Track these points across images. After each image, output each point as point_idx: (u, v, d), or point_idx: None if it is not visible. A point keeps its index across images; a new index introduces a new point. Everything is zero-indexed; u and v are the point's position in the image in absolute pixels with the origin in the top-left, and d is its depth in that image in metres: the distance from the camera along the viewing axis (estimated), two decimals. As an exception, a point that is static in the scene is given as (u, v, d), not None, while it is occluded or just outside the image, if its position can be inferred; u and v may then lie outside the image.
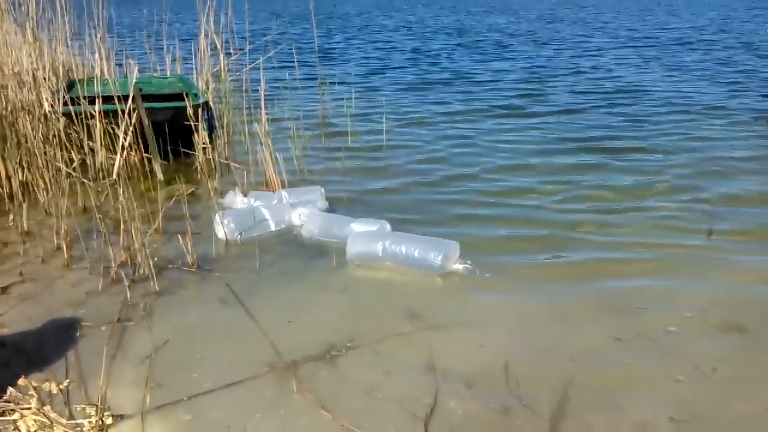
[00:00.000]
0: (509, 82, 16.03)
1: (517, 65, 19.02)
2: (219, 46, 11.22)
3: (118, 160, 8.40)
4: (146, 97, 9.42)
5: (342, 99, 12.50)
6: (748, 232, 6.77)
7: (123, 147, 8.42)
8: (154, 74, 12.71)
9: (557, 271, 6.00)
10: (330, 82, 14.76)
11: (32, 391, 4.03)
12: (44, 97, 8.62)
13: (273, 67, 15.24)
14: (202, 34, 11.21)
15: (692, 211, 7.36)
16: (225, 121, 10.66)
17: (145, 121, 8.44)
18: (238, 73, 12.10)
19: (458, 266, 5.85)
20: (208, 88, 11.36)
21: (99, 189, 7.87)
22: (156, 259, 6.01)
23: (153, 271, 5.74)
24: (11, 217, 6.96)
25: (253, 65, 11.11)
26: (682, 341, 4.82)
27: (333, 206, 7.49)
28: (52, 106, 8.59)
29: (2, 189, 7.84)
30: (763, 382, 4.36)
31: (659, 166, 9.00)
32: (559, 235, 6.78)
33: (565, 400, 4.15)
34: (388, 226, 6.51)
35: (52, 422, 3.84)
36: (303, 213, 6.93)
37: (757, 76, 16.54)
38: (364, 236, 6.17)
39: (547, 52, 22.17)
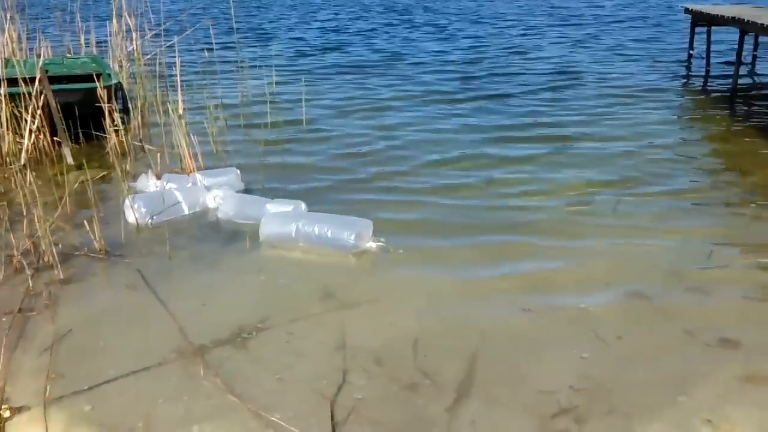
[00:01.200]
0: (440, 65, 16.05)
1: (451, 46, 19.03)
2: (132, 26, 10.88)
3: (25, 144, 8.10)
4: (57, 79, 9.11)
5: (263, 80, 12.30)
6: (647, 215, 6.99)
7: (30, 131, 8.12)
8: (68, 55, 12.27)
9: (469, 251, 6.04)
10: (251, 65, 14.53)
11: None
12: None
13: (193, 48, 14.91)
14: (115, 14, 10.87)
15: (602, 193, 7.49)
16: (139, 103, 10.38)
17: (53, 103, 8.15)
18: (154, 54, 11.78)
19: (371, 245, 5.86)
20: (122, 69, 11.03)
21: (5, 175, 7.57)
22: (61, 246, 5.85)
23: (57, 258, 5.57)
24: None
25: (167, 45, 10.85)
26: (587, 312, 4.94)
27: (250, 188, 7.41)
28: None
29: None
30: (663, 348, 4.50)
31: (582, 151, 9.14)
32: (473, 217, 6.81)
33: (472, 373, 4.21)
34: (303, 206, 6.47)
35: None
36: (218, 195, 6.83)
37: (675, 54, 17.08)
38: (277, 217, 6.11)
39: (482, 32, 22.30)
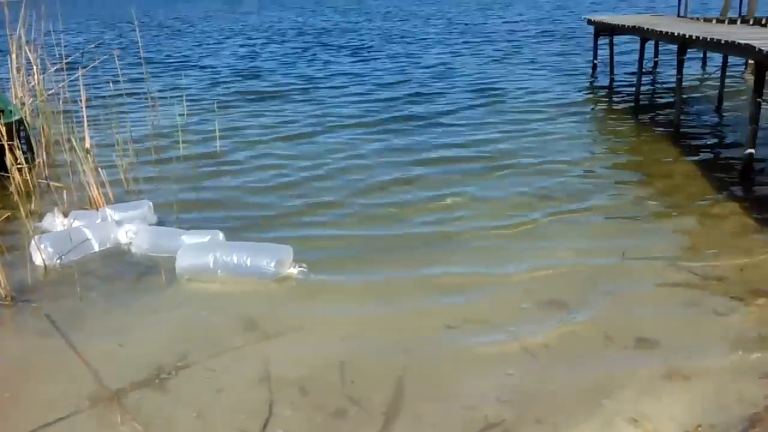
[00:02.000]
0: (357, 88, 15.97)
1: (369, 68, 18.95)
2: (32, 60, 10.49)
3: None
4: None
5: (175, 112, 11.99)
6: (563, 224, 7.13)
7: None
8: (-34, 91, 11.73)
9: (392, 273, 5.98)
10: (162, 96, 14.22)
11: None
12: None
13: (100, 82, 14.49)
14: (14, 48, 10.45)
15: (511, 205, 7.62)
16: (44, 139, 9.98)
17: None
18: (58, 88, 11.39)
19: (293, 270, 5.77)
20: (24, 105, 10.61)
21: None
22: (-36, 293, 5.53)
23: (-40, 307, 5.27)
24: None
25: (72, 78, 10.50)
26: (508, 322, 4.98)
27: (164, 220, 7.21)
28: None
29: None
30: (585, 354, 4.57)
31: (501, 171, 9.15)
32: (395, 240, 6.77)
33: (399, 395, 4.17)
34: (221, 236, 6.34)
35: None
36: (130, 229, 6.61)
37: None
38: (193, 249, 5.96)
39: (402, 51, 22.45)
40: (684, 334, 4.73)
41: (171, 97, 14.17)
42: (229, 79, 17.83)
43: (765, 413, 3.82)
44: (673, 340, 4.65)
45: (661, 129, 10.67)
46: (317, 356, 4.66)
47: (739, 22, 14.36)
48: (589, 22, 16.56)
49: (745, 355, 4.43)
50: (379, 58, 20.92)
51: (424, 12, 41.65)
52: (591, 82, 15.43)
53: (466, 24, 31.86)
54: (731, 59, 12.73)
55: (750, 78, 11.94)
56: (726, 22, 14.27)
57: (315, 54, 22.68)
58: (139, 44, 15.77)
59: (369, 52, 22.78)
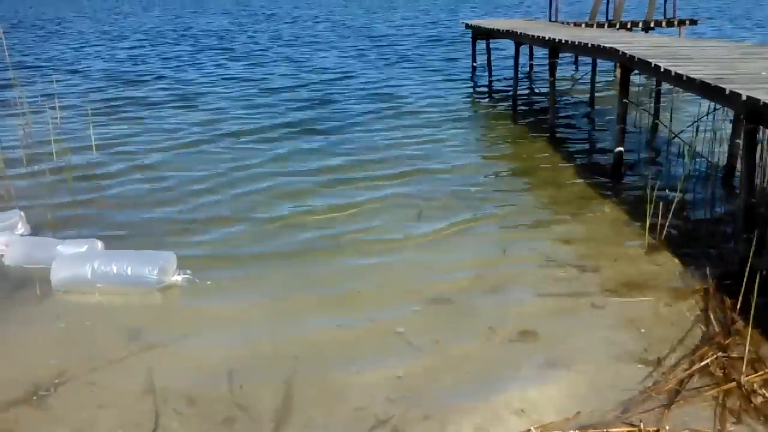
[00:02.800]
0: (240, 92, 15.78)
1: (260, 72, 18.72)
2: None
3: None
4: None
5: (47, 118, 11.39)
6: (446, 219, 7.30)
7: None
8: None
9: (277, 277, 5.95)
10: (34, 102, 13.51)
11: None
12: None
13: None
14: None
15: (395, 200, 7.79)
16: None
17: None
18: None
19: (177, 278, 5.62)
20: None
21: None
22: None
23: None
24: None
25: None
26: (395, 319, 5.05)
27: (39, 230, 6.86)
28: None
29: None
30: (471, 348, 4.69)
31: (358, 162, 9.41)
32: (279, 243, 6.71)
33: (289, 398, 4.15)
34: (99, 245, 6.10)
35: None
36: (1, 241, 6.26)
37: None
38: (69, 260, 5.70)
39: (295, 55, 22.25)
40: (563, 326, 4.93)
41: (43, 103, 13.43)
42: (107, 85, 17.11)
43: (639, 397, 4.04)
44: (553, 331, 4.84)
45: (538, 130, 11.09)
46: (204, 364, 4.56)
47: (606, 26, 15.16)
48: (467, 26, 17.04)
49: (620, 343, 4.67)
50: (268, 64, 20.66)
51: (309, 14, 41.51)
52: (471, 86, 15.84)
53: (350, 27, 32.00)
54: (603, 62, 13.41)
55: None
56: (594, 26, 15.03)
57: (201, 57, 22.18)
58: (4, 46, 14.89)
59: (257, 57, 22.46)
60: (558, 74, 11.56)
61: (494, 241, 6.53)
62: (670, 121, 9.32)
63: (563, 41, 10.44)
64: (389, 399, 4.10)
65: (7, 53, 15.42)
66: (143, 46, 26.14)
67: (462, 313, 5.16)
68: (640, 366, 4.37)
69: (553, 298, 5.36)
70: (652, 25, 15.61)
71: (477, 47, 16.77)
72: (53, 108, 11.85)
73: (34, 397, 4.22)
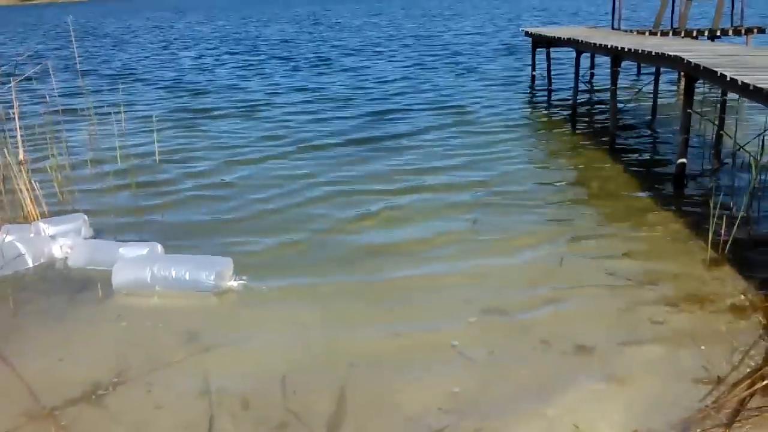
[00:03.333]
0: (307, 105, 15.95)
1: (328, 81, 18.87)
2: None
3: None
4: None
5: (113, 126, 11.73)
6: (501, 228, 7.25)
7: None
8: None
9: (333, 284, 5.98)
10: (100, 110, 13.89)
11: None
12: None
13: (35, 94, 14.10)
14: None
15: (451, 208, 7.78)
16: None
17: None
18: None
19: (233, 283, 5.71)
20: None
21: None
22: None
23: None
24: None
25: (2, 90, 10.21)
26: (450, 330, 5.03)
27: (100, 233, 7.05)
28: None
29: None
30: (525, 361, 4.63)
31: (443, 181, 9.34)
32: (335, 251, 6.75)
33: (342, 406, 4.16)
34: (159, 248, 6.23)
35: None
36: (65, 244, 6.46)
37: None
38: (130, 263, 5.84)
39: (358, 64, 22.41)
40: (621, 341, 4.83)
41: (109, 110, 13.84)
42: (172, 95, 17.44)
43: (697, 415, 3.93)
44: (609, 345, 4.75)
45: (598, 140, 10.91)
46: (259, 369, 4.62)
47: (671, 34, 14.83)
48: (527, 34, 16.88)
49: (679, 359, 4.55)
50: (338, 70, 20.82)
51: (371, 23, 41.76)
52: (531, 95, 15.69)
53: (415, 35, 32.08)
54: (666, 71, 13.13)
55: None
56: (658, 34, 14.72)
57: (267, 68, 22.48)
58: (75, 52, 15.37)
59: (330, 64, 22.61)
60: (620, 83, 11.37)
61: (551, 253, 6.44)
62: (735, 132, 9.06)
63: (626, 49, 10.26)
64: (442, 410, 4.08)
65: (77, 57, 15.93)
66: (209, 55, 26.62)
67: (517, 326, 5.10)
68: (699, 384, 4.25)
69: (611, 312, 5.26)
70: (718, 33, 15.20)
71: (537, 56, 16.61)
72: (119, 115, 12.17)
73: (93, 396, 4.34)
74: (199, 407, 4.20)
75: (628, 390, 4.24)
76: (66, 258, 6.39)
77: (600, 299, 5.47)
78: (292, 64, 23.00)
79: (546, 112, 13.85)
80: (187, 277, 5.60)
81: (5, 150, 8.11)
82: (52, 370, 4.69)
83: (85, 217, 6.99)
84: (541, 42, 15.85)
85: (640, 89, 14.99)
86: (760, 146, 8.15)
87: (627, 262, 6.20)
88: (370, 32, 35.35)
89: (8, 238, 6.42)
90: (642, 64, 15.92)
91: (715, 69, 7.19)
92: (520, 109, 13.99)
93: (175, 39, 35.59)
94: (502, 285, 5.79)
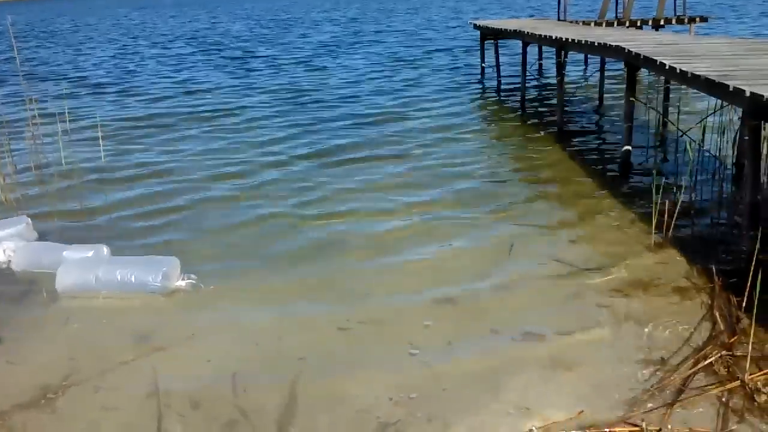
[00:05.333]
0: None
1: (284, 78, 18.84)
2: None
3: None
4: None
5: (56, 125, 11.44)
6: (450, 218, 7.31)
7: None
8: None
9: (280, 279, 5.97)
10: (40, 101, 13.61)
11: None
12: None
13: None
14: None
15: (400, 201, 7.84)
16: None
17: None
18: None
19: (181, 283, 5.65)
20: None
21: None
22: None
23: None
24: None
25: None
26: (398, 321, 5.07)
27: (45, 236, 6.89)
28: None
29: None
30: (472, 347, 4.68)
31: (367, 162, 9.45)
32: (283, 245, 6.75)
33: (293, 402, 4.16)
34: (105, 250, 6.13)
35: None
36: (8, 247, 6.32)
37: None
38: (75, 265, 5.73)
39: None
40: (567, 326, 4.91)
41: (53, 112, 13.53)
42: (120, 96, 17.27)
43: (642, 396, 4.02)
44: (557, 331, 4.83)
45: (546, 129, 11.07)
46: (208, 368, 4.59)
47: (615, 24, 15.08)
48: (475, 26, 17.00)
49: (624, 342, 4.65)
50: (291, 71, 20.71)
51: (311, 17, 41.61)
52: (480, 87, 15.81)
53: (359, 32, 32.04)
54: (613, 61, 13.35)
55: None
56: (603, 24, 14.96)
57: (200, 59, 22.28)
58: (14, 49, 15.09)
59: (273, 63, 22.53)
60: (567, 74, 11.53)
61: (499, 240, 6.51)
62: (678, 118, 9.26)
63: (570, 40, 10.41)
64: (393, 401, 4.10)
65: (16, 53, 15.49)
66: (168, 56, 26.25)
67: (467, 314, 5.15)
68: (643, 365, 4.35)
69: (558, 297, 5.35)
70: (662, 23, 15.51)
71: (486, 48, 16.73)
72: (63, 116, 11.90)
73: (43, 400, 4.26)
74: (148, 408, 4.15)
75: (574, 373, 4.32)
76: (9, 261, 6.24)
77: (547, 285, 5.56)
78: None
79: (495, 103, 13.97)
80: (133, 279, 5.52)
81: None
82: (0, 375, 4.59)
83: (29, 220, 6.84)
84: (489, 34, 15.98)
85: (586, 79, 15.24)
86: (701, 132, 8.35)
87: (573, 247, 6.31)
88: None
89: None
90: (588, 55, 16.17)
91: (655, 58, 7.34)
92: (469, 101, 14.07)
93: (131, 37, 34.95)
94: (451, 274, 5.85)
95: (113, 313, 5.43)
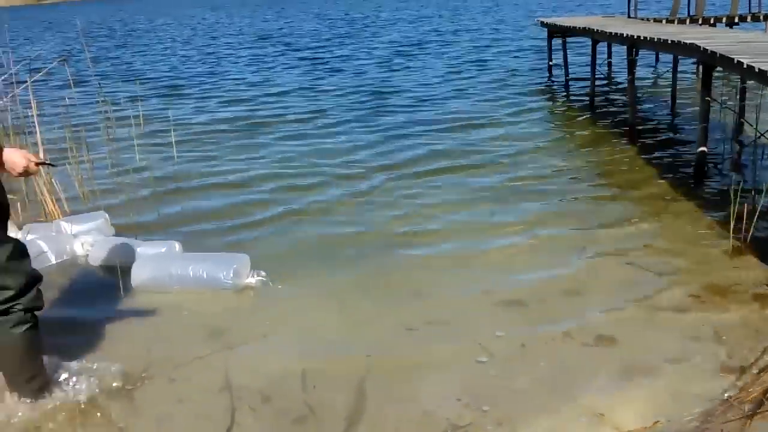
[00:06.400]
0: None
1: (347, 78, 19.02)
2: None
3: None
4: None
5: (131, 121, 11.80)
6: (520, 217, 7.24)
7: None
8: None
9: (349, 272, 6.06)
10: (118, 106, 13.98)
11: None
12: None
13: (55, 93, 14.21)
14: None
15: (471, 199, 7.82)
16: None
17: None
18: (9, 99, 11.13)
19: (251, 280, 5.73)
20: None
21: None
22: None
23: None
24: None
25: (22, 87, 10.29)
26: (466, 321, 5.04)
27: (121, 231, 7.11)
28: None
29: None
30: (544, 352, 4.62)
31: (438, 162, 9.44)
32: (353, 243, 6.80)
33: (361, 399, 4.17)
34: (177, 247, 6.27)
35: None
36: (86, 241, 6.53)
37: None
38: (149, 261, 5.88)
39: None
40: (642, 331, 4.80)
41: (127, 106, 13.95)
42: (182, 87, 17.67)
43: (720, 407, 3.90)
44: (631, 336, 4.72)
45: (616, 129, 10.85)
46: (278, 363, 4.63)
47: (688, 21, 14.69)
48: (542, 24, 16.78)
49: (702, 350, 4.51)
50: (356, 69, 20.80)
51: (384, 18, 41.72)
52: (548, 86, 15.61)
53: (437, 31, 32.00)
54: (686, 59, 13.03)
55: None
56: (675, 22, 14.58)
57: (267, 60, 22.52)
58: (84, 47, 15.55)
59: (347, 61, 22.65)
60: (638, 72, 11.28)
61: (570, 244, 6.41)
62: (757, 119, 8.96)
63: (642, 38, 10.17)
64: (461, 402, 4.07)
65: (86, 52, 15.96)
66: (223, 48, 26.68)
67: (537, 317, 5.09)
68: (722, 375, 4.21)
69: (632, 303, 5.23)
70: (736, 20, 15.04)
71: (553, 45, 16.50)
72: (138, 118, 12.23)
73: (123, 390, 4.37)
74: (221, 401, 4.23)
75: (649, 381, 4.21)
76: (87, 255, 6.44)
77: (620, 289, 5.44)
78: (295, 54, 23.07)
79: (563, 102, 13.77)
80: (204, 276, 5.62)
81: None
82: (78, 367, 4.70)
83: (106, 215, 7.05)
84: (556, 32, 15.76)
85: (658, 77, 14.89)
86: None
87: (648, 251, 6.16)
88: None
89: (31, 236, 6.49)
90: (660, 53, 15.79)
91: (731, 56, 7.11)
92: (536, 100, 13.91)
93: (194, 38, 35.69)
94: (521, 275, 5.79)
95: (186, 308, 5.51)
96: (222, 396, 4.28)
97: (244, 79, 18.85)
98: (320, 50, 24.86)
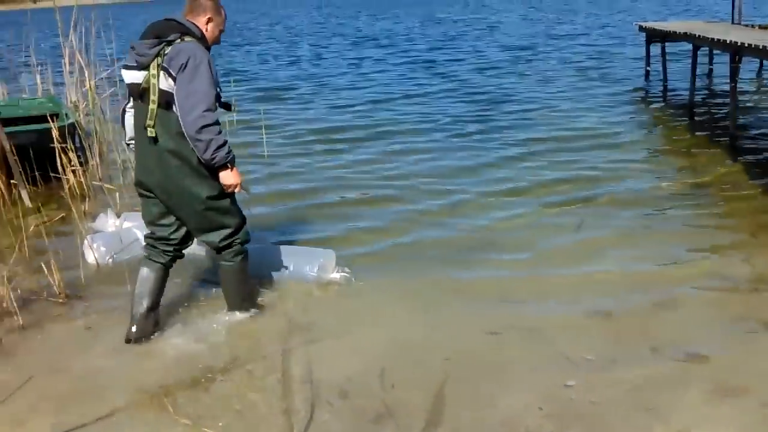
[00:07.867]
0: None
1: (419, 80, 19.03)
2: (83, 64, 10.78)
3: (-21, 188, 7.95)
4: (13, 121, 9.03)
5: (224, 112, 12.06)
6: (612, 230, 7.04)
7: (-17, 174, 7.98)
8: (23, 96, 12.15)
9: (435, 271, 6.05)
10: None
11: None
12: None
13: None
14: (66, 54, 10.78)
15: (561, 210, 7.64)
16: (97, 142, 10.21)
17: (6, 146, 8.00)
18: (111, 91, 11.65)
19: (336, 275, 5.79)
20: (78, 108, 10.90)
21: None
22: (20, 291, 5.69)
23: (16, 304, 5.40)
24: None
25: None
26: (552, 331, 4.93)
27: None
28: None
29: None
30: (630, 365, 4.48)
31: (530, 168, 9.32)
32: (437, 244, 6.82)
33: (439, 402, 4.15)
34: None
35: None
36: (180, 231, 6.73)
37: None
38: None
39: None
40: (733, 348, 4.61)
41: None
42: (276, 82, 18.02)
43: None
44: (722, 353, 4.54)
45: (717, 138, 10.43)
46: (357, 361, 4.65)
47: (798, 29, 13.99)
48: (641, 28, 16.31)
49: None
50: (437, 69, 20.76)
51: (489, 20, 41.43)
52: (645, 92, 15.15)
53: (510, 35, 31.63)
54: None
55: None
56: (784, 29, 13.92)
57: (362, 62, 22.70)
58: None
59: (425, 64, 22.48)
60: (741, 80, 10.81)
61: (664, 256, 6.19)
62: None
63: (747, 45, 9.75)
64: (543, 412, 4.00)
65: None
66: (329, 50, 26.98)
67: (625, 330, 4.94)
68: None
69: (724, 318, 5.03)
70: None
71: (651, 51, 16.01)
72: (231, 102, 12.45)
73: (203, 380, 4.48)
74: (300, 394, 4.28)
75: (741, 400, 4.03)
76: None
77: (713, 305, 5.24)
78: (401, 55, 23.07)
79: (661, 108, 13.33)
80: (290, 268, 5.72)
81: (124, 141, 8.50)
82: (163, 353, 4.86)
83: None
84: (655, 36, 15.29)
85: (762, 85, 14.25)
86: None
87: (745, 267, 5.91)
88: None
89: (127, 225, 6.74)
90: (765, 61, 15.13)
91: None
92: (633, 107, 13.54)
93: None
94: (610, 286, 5.64)
95: (269, 301, 5.57)
96: (302, 389, 4.34)
97: (349, 85, 18.15)
98: (424, 53, 24.31)
